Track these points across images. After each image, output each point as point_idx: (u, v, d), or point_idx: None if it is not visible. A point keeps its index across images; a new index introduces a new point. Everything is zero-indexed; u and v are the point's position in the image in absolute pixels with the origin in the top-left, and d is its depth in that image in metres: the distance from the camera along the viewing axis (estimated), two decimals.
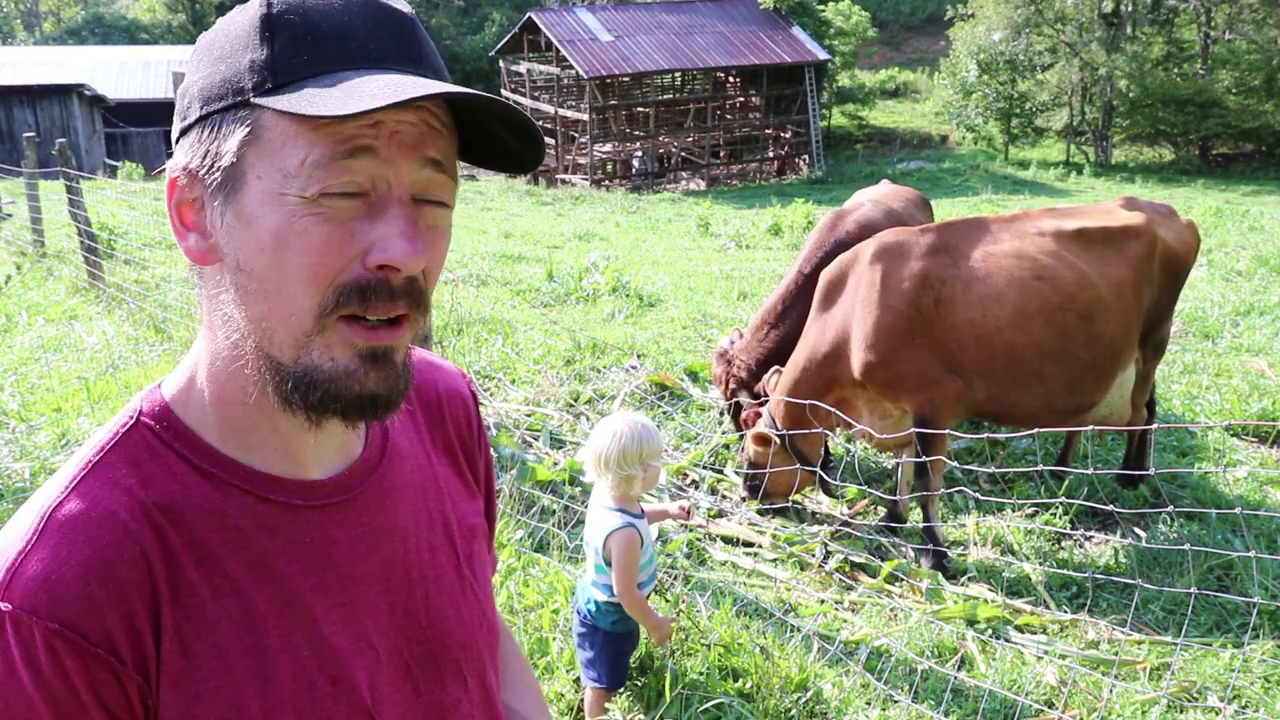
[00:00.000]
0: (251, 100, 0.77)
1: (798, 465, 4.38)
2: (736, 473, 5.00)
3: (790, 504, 4.72)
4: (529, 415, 5.63)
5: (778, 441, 4.45)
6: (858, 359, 4.18)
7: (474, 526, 1.08)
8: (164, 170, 0.87)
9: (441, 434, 1.08)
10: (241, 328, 0.82)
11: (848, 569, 4.16)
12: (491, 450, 1.20)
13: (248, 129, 0.78)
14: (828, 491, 4.85)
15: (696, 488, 4.96)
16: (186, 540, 0.82)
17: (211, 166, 0.80)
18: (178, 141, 0.84)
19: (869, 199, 5.93)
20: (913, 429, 4.15)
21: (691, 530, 4.38)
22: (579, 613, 2.95)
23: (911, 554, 4.33)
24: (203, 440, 0.87)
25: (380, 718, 0.92)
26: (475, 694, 1.02)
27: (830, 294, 4.37)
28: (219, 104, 0.79)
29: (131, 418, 0.87)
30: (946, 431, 4.05)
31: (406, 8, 0.84)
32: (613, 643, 2.90)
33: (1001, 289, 4.12)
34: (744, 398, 4.98)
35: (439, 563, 1.00)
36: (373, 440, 0.98)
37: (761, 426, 4.52)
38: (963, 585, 4.06)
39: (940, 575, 4.10)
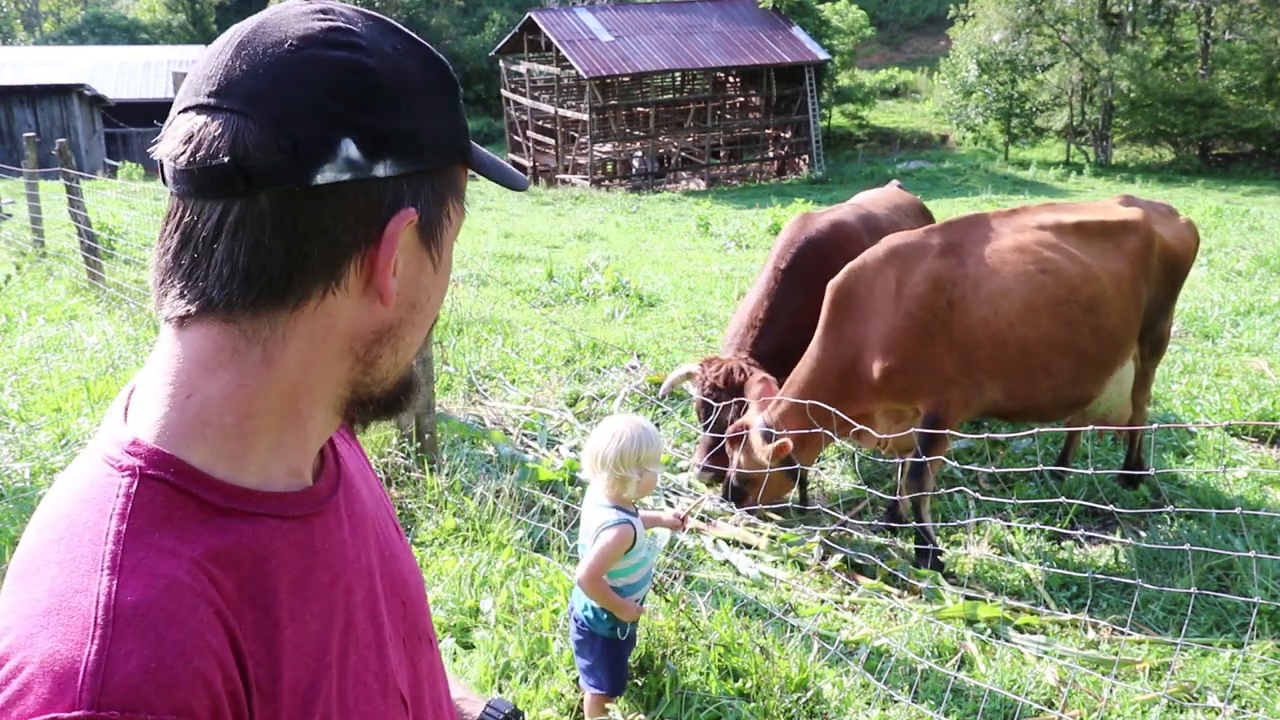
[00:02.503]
0: (459, 163, 0.87)
1: (791, 468, 4.36)
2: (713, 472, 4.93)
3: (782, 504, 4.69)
4: (529, 415, 5.63)
5: (772, 448, 4.31)
6: (878, 366, 4.13)
7: (389, 500, 1.12)
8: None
9: None
10: (364, 359, 0.86)
11: (847, 569, 4.16)
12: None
13: (456, 185, 0.88)
14: (802, 504, 4.76)
15: (680, 495, 4.94)
16: (238, 584, 0.78)
17: (432, 218, 0.85)
18: (383, 178, 0.79)
19: (854, 201, 5.89)
20: (913, 429, 4.15)
21: (692, 533, 4.38)
22: (576, 620, 2.93)
23: (912, 554, 4.33)
24: (216, 478, 0.80)
25: (408, 699, 0.95)
26: (436, 652, 1.08)
27: (842, 304, 4.26)
28: (440, 161, 0.84)
29: (132, 474, 0.77)
30: (945, 432, 4.05)
31: None
32: (611, 649, 2.90)
33: (1009, 285, 4.13)
34: (756, 380, 4.81)
35: (391, 536, 1.03)
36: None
37: (759, 430, 4.35)
38: (962, 585, 4.06)
39: (939, 575, 4.10)
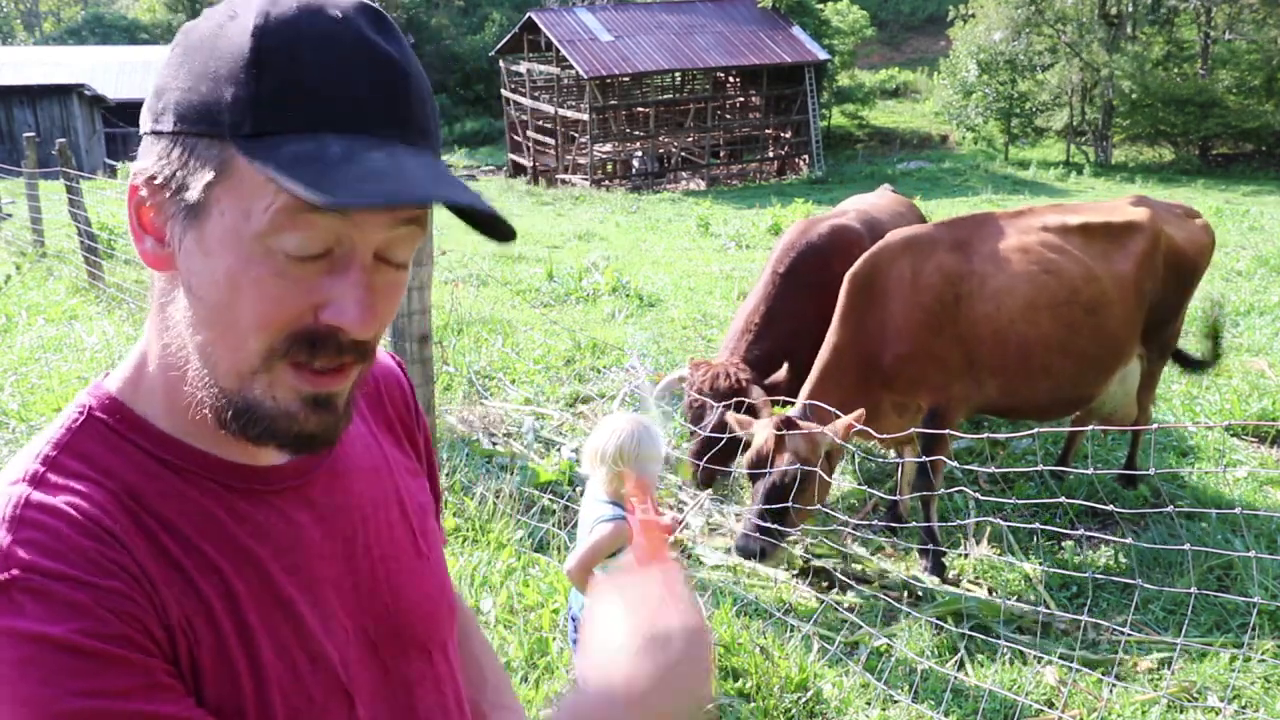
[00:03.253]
0: (228, 139, 0.75)
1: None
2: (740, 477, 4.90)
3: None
4: (529, 415, 5.63)
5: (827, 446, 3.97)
6: (890, 353, 4.14)
7: (424, 504, 1.10)
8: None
9: (383, 414, 1.10)
10: (186, 343, 0.82)
11: (850, 571, 4.16)
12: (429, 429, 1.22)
13: (218, 163, 0.76)
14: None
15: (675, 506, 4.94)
16: (161, 524, 0.82)
17: (177, 188, 0.78)
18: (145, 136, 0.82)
19: (855, 206, 5.81)
20: (913, 428, 4.15)
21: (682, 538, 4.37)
22: (574, 619, 2.94)
23: (916, 554, 4.33)
24: (156, 428, 0.86)
25: (355, 696, 0.93)
26: (440, 668, 1.04)
27: (859, 292, 4.21)
28: (194, 128, 0.77)
29: (81, 412, 0.86)
30: (946, 431, 4.04)
31: (398, 52, 0.79)
32: None
33: (1012, 283, 4.15)
34: (755, 391, 4.61)
35: (396, 539, 1.02)
36: None
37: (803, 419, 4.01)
38: (962, 585, 4.06)
39: (939, 575, 4.10)
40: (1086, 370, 4.30)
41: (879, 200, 6.02)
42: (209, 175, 0.76)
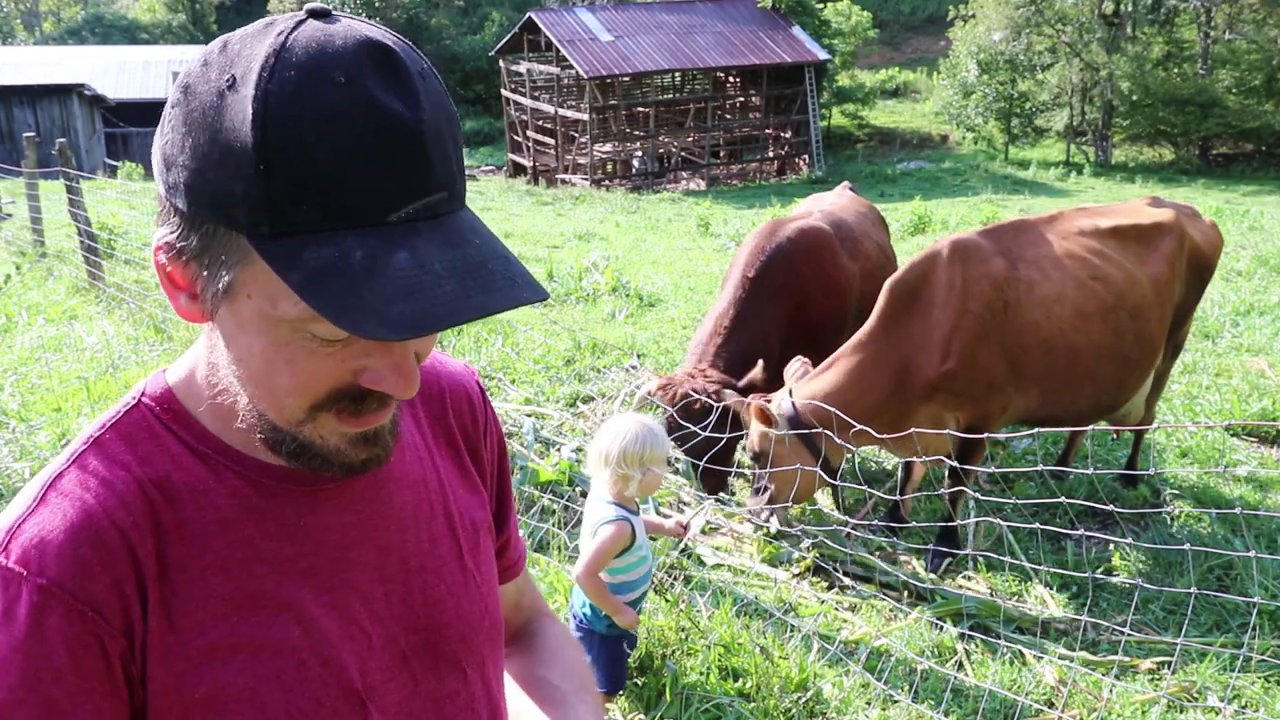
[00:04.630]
0: (245, 234, 0.74)
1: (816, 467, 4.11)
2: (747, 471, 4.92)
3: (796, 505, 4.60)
4: (529, 415, 5.63)
5: (790, 434, 4.05)
6: (936, 366, 4.01)
7: (477, 521, 1.07)
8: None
9: (444, 429, 1.08)
10: (234, 384, 0.85)
11: (846, 574, 4.16)
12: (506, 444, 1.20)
13: (239, 254, 0.76)
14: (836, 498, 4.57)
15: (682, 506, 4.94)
16: (178, 517, 0.85)
17: (202, 267, 0.79)
18: (160, 188, 0.80)
19: (819, 207, 5.68)
20: (913, 429, 4.13)
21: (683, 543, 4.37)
22: (575, 616, 2.94)
23: (916, 553, 4.33)
24: (200, 424, 0.89)
25: (371, 703, 0.92)
26: (475, 687, 1.03)
27: (902, 300, 4.09)
28: (210, 216, 0.75)
29: (135, 399, 0.91)
30: (947, 432, 4.02)
31: (409, 108, 0.74)
32: (610, 646, 2.90)
33: (1062, 291, 4.09)
34: (731, 396, 4.55)
35: (439, 553, 1.00)
36: None
37: (785, 415, 4.08)
38: (962, 585, 4.06)
39: (938, 575, 4.10)
40: (1128, 375, 4.25)
41: (840, 200, 5.93)
42: (231, 266, 0.77)
